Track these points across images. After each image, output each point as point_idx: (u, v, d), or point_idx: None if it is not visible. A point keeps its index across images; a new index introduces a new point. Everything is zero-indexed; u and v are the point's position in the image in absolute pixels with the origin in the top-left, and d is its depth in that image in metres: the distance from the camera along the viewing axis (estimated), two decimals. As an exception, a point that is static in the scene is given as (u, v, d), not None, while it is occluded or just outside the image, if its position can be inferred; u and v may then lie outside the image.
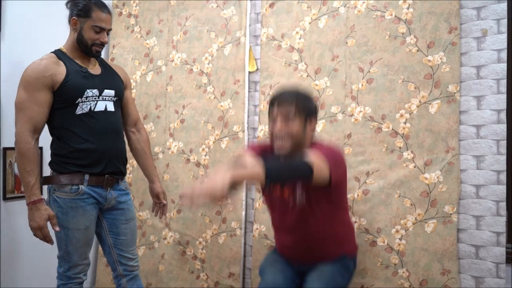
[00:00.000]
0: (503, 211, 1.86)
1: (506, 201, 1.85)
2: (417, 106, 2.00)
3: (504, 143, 1.86)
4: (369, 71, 2.10)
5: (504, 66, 1.85)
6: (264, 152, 1.75)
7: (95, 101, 1.86)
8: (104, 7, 1.87)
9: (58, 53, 1.87)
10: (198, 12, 2.58)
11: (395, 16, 2.05)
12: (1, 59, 2.20)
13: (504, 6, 1.86)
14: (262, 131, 2.35)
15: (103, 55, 2.09)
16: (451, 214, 1.93)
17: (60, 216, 1.80)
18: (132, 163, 2.70)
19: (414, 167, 2.00)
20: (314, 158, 1.52)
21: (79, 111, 1.82)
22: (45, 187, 1.83)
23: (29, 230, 1.77)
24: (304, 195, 1.69)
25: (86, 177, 1.83)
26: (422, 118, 1.99)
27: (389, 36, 2.06)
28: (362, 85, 2.12)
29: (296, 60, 2.30)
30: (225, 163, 2.44)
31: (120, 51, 2.81)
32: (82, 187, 1.82)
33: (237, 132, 2.42)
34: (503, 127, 1.85)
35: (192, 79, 2.58)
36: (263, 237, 2.34)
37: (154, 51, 2.71)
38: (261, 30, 2.41)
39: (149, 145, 2.19)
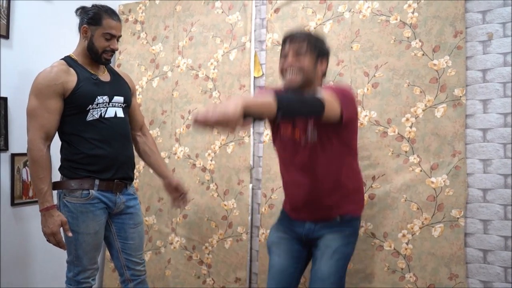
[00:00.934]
0: (511, 215, 1.85)
1: (513, 205, 1.85)
2: (423, 110, 2.00)
3: (510, 147, 1.85)
4: (375, 76, 2.10)
5: (510, 69, 1.85)
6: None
7: (105, 108, 1.88)
8: (114, 15, 1.89)
9: (68, 60, 1.89)
10: (204, 18, 2.60)
11: (400, 20, 2.06)
12: (8, 67, 2.23)
13: (509, 10, 1.86)
14: (268, 136, 2.36)
15: (109, 61, 2.11)
16: (458, 218, 1.92)
17: (70, 220, 1.81)
18: (138, 168, 2.72)
19: (421, 171, 1.99)
20: (325, 95, 1.53)
21: (90, 117, 1.85)
22: (54, 192, 1.84)
23: (37, 235, 1.80)
24: (315, 132, 1.69)
25: (97, 182, 1.85)
26: (428, 122, 1.98)
27: (394, 41, 2.07)
28: (368, 89, 2.12)
29: (301, 65, 2.30)
30: (230, 169, 2.45)
31: (127, 57, 2.84)
32: (92, 192, 1.84)
33: (243, 137, 2.43)
34: (510, 130, 1.85)
35: (197, 84, 2.60)
36: (269, 242, 2.34)
37: (160, 57, 2.73)
38: (266, 35, 2.42)
39: (156, 146, 2.21)
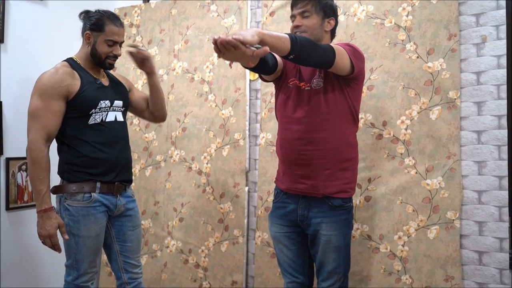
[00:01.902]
0: (506, 217, 1.86)
1: (508, 206, 1.85)
2: (418, 113, 2.01)
3: (505, 149, 1.86)
4: (370, 78, 2.11)
5: (504, 71, 1.86)
6: None
7: (107, 112, 1.89)
8: (116, 20, 1.89)
9: (72, 62, 1.88)
10: (199, 21, 2.60)
11: (395, 23, 2.07)
12: (3, 71, 2.22)
13: (503, 12, 1.87)
14: (264, 139, 2.36)
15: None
16: (453, 220, 1.92)
17: (72, 224, 1.81)
18: (134, 172, 2.71)
19: (416, 173, 2.00)
20: (336, 47, 1.59)
21: (91, 121, 1.85)
22: (53, 196, 1.83)
23: (33, 239, 1.79)
24: (321, 81, 1.73)
25: (98, 184, 1.85)
26: (423, 125, 1.99)
27: (389, 43, 2.08)
28: (363, 92, 2.12)
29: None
30: (226, 172, 2.45)
31: (122, 61, 2.83)
32: (94, 195, 1.84)
33: (239, 140, 2.43)
34: (504, 132, 1.86)
35: (193, 87, 2.60)
36: (265, 245, 2.34)
37: (155, 61, 2.73)
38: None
39: None
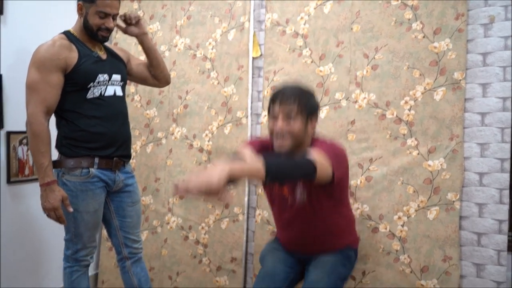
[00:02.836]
0: (506, 199, 1.86)
1: (509, 189, 1.86)
2: (422, 93, 1.99)
3: (508, 131, 1.85)
4: (374, 58, 2.09)
5: (510, 53, 1.83)
6: (264, 148, 1.71)
7: (105, 86, 1.86)
8: None
9: (69, 35, 1.85)
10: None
11: (401, 1, 2.03)
12: (2, 43, 2.19)
13: (512, -8, 1.84)
14: (266, 117, 2.35)
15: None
16: (454, 201, 1.93)
17: (70, 199, 1.80)
18: (135, 148, 2.71)
19: (418, 154, 2.00)
20: (317, 156, 1.48)
21: (90, 95, 1.83)
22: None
23: (34, 212, 1.79)
24: (305, 193, 1.68)
25: (96, 160, 1.84)
26: (427, 105, 1.98)
27: (395, 22, 2.04)
28: (367, 71, 2.10)
29: (300, 46, 2.28)
30: (228, 149, 2.44)
31: (124, 36, 2.78)
32: (92, 170, 1.83)
33: (241, 118, 2.42)
34: (508, 115, 1.84)
35: (195, 64, 2.57)
36: (265, 223, 2.35)
37: (157, 36, 2.69)
38: (265, 15, 2.39)
39: None
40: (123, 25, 2.00)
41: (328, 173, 1.52)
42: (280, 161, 1.46)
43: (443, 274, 1.94)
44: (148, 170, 2.70)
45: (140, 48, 2.43)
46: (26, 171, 2.30)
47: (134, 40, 2.75)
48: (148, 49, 2.06)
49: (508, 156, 1.85)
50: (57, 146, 1.87)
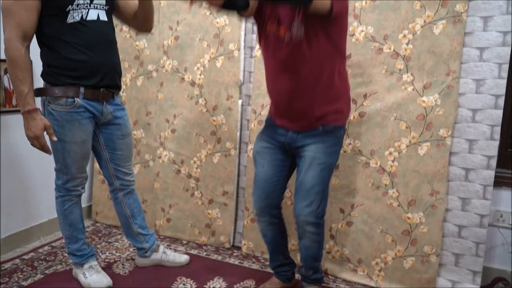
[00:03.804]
0: (497, 135, 1.87)
1: (501, 125, 1.86)
2: (421, 27, 1.93)
3: (506, 67, 1.82)
4: (374, -12, 1.99)
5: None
6: None
7: (87, 9, 1.75)
8: None
9: None
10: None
11: None
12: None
13: None
14: (260, 50, 2.27)
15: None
16: (445, 137, 1.94)
17: (56, 129, 1.77)
18: (125, 81, 2.64)
19: (413, 90, 1.97)
20: None
21: (70, 19, 1.72)
22: (38, 99, 1.78)
23: (22, 143, 1.75)
24: (302, 28, 1.61)
25: (81, 90, 1.78)
26: (425, 39, 1.92)
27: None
28: (366, 2, 2.02)
29: None
30: (220, 83, 2.39)
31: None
32: (77, 100, 1.78)
33: (233, 50, 2.34)
34: (508, 50, 1.81)
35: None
36: (257, 158, 2.36)
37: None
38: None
39: None
40: None
41: (326, 3, 1.48)
42: None
43: (429, 207, 1.99)
44: (139, 103, 2.66)
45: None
46: (14, 101, 2.25)
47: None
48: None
49: (503, 92, 1.84)
50: (42, 74, 1.81)
